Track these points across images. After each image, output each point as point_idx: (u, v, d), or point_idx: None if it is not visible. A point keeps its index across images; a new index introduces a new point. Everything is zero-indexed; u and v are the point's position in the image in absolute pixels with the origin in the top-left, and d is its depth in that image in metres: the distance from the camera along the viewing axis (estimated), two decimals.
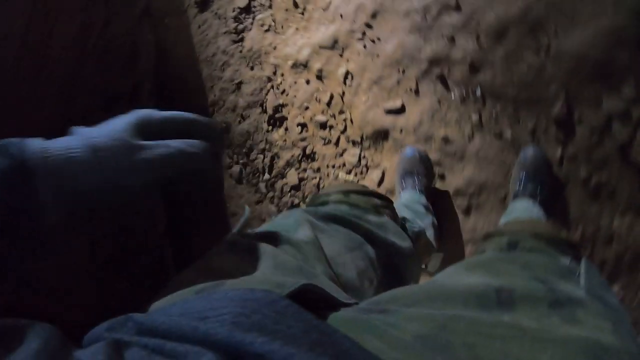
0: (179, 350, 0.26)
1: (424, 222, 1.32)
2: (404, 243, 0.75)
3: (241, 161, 1.91)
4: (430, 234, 1.33)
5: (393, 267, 0.70)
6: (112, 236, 0.42)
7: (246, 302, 0.30)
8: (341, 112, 1.69)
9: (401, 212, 1.12)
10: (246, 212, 0.62)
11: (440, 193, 1.52)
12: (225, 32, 1.95)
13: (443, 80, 1.50)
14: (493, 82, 1.43)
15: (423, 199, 1.41)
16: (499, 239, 0.64)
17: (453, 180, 1.50)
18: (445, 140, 1.50)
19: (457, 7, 1.47)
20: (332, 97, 1.70)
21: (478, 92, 1.45)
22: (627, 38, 1.25)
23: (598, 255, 1.33)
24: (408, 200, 1.39)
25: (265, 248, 0.52)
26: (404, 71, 1.57)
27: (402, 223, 0.93)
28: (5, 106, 2.69)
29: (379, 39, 1.61)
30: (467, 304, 0.41)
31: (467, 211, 1.49)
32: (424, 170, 1.47)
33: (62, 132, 0.42)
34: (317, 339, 0.28)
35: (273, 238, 0.56)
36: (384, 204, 0.81)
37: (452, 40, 1.48)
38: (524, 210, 1.31)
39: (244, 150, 1.91)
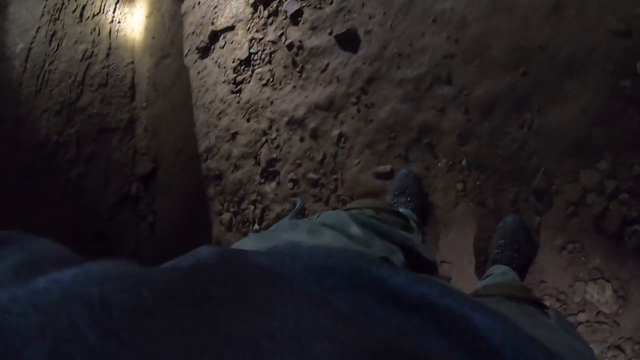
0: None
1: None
2: (430, 256, 0.82)
3: (232, 209, 1.92)
4: None
5: None
6: None
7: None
8: (333, 171, 1.73)
9: None
10: (299, 203, 0.65)
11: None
12: (224, 82, 1.97)
13: (431, 148, 1.57)
14: (479, 153, 1.49)
15: (415, 217, 1.46)
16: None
17: (437, 244, 1.55)
18: (431, 205, 1.56)
19: (449, 81, 1.54)
20: (324, 156, 1.74)
21: (464, 162, 1.52)
22: (604, 116, 1.33)
23: (571, 318, 1.40)
24: None
25: (324, 230, 0.56)
26: (395, 137, 1.62)
27: None
28: (5, 119, 2.71)
29: (372, 104, 1.67)
30: None
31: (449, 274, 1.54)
32: (416, 190, 1.52)
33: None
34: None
35: (329, 226, 0.59)
36: (407, 223, 0.89)
37: (442, 111, 1.54)
38: (500, 274, 1.37)
39: (235, 199, 1.92)
